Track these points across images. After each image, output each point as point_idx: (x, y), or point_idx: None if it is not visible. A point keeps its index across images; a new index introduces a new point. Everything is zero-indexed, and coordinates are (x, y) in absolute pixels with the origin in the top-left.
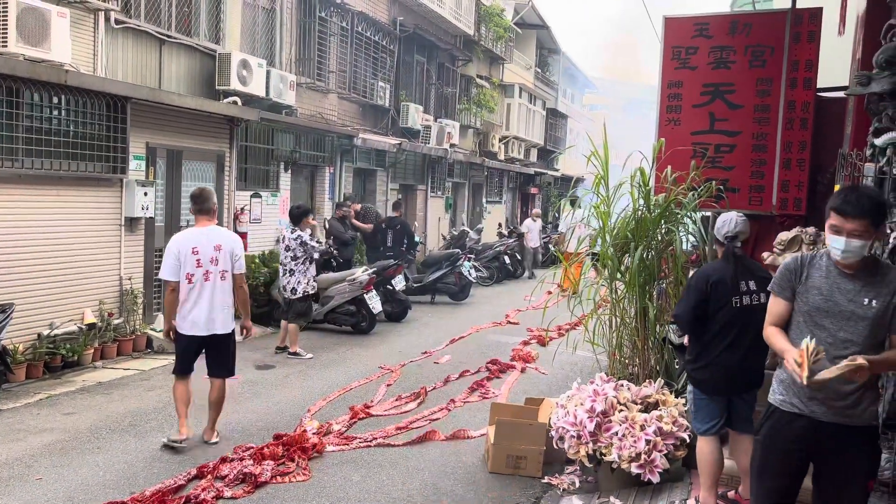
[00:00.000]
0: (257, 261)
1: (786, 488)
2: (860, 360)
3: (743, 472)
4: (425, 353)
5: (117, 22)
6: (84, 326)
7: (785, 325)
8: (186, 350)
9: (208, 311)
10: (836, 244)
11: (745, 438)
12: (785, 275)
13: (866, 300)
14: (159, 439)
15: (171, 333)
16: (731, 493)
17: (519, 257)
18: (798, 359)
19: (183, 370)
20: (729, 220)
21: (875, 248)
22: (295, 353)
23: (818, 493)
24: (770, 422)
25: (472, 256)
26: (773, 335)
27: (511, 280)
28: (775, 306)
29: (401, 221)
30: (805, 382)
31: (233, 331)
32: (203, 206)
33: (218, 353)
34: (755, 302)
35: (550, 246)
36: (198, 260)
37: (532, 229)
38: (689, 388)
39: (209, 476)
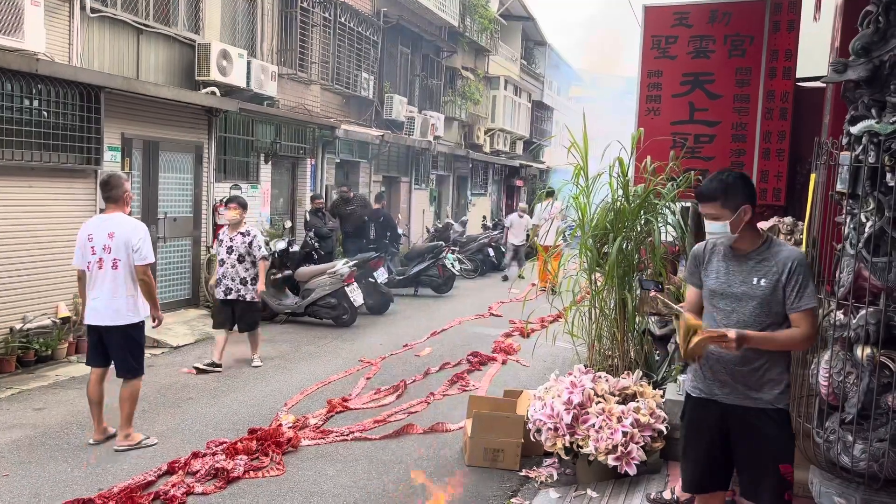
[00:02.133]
0: None
1: (705, 469)
2: (730, 332)
3: None
4: (406, 345)
5: (93, 11)
6: (58, 320)
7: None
8: (90, 340)
9: (105, 300)
10: (707, 228)
11: None
12: (692, 262)
13: (755, 280)
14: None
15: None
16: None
17: (503, 248)
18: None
19: (89, 362)
20: None
21: (850, 238)
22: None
23: (739, 480)
24: (687, 407)
25: (456, 249)
26: (689, 310)
27: (495, 272)
28: (688, 294)
29: (384, 214)
30: (682, 355)
31: (131, 324)
32: (110, 193)
33: (111, 346)
34: None
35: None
36: (92, 247)
37: (516, 225)
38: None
39: (180, 472)
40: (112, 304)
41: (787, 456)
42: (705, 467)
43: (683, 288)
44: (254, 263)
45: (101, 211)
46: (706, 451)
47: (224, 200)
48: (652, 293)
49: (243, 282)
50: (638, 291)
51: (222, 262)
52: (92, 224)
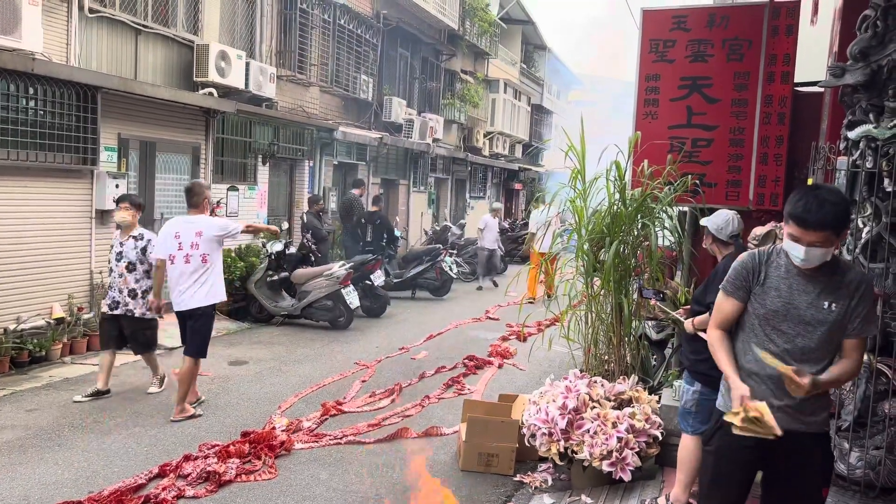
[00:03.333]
0: (233, 255)
1: (736, 499)
2: (805, 379)
3: None
4: (402, 348)
5: (91, 11)
6: (52, 321)
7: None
8: (181, 327)
9: (191, 289)
10: (795, 252)
11: None
12: (741, 274)
13: (826, 304)
14: (123, 437)
15: None
16: None
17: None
18: (753, 412)
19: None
20: (730, 220)
21: (847, 243)
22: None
23: (769, 502)
24: (722, 432)
25: (454, 252)
26: (718, 347)
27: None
28: (726, 306)
29: (381, 216)
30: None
31: (210, 305)
32: (193, 199)
33: (190, 328)
34: None
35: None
36: (179, 244)
37: (489, 227)
38: (692, 388)
39: (171, 475)
40: (197, 293)
41: (829, 479)
42: (743, 491)
43: (681, 294)
44: (147, 273)
45: (164, 217)
46: (740, 486)
47: (116, 199)
48: (652, 302)
49: (132, 294)
50: (635, 296)
51: (111, 271)
52: (178, 223)
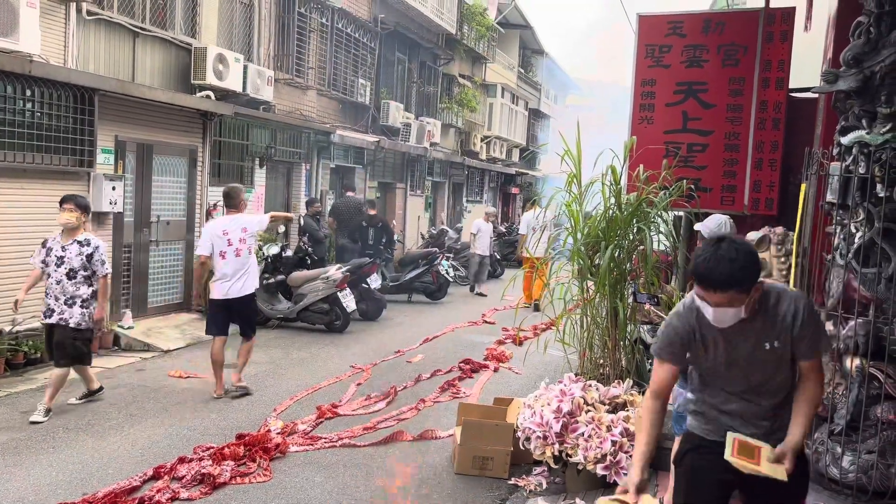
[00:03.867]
0: None
1: None
2: (787, 461)
3: None
4: (398, 352)
5: (89, 13)
6: None
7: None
8: (216, 314)
9: (241, 279)
10: (705, 312)
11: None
12: (673, 338)
13: (768, 345)
14: (117, 439)
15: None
16: None
17: (498, 256)
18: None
19: (212, 332)
20: (723, 223)
21: (840, 248)
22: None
23: None
24: (693, 454)
25: (451, 255)
26: (645, 418)
27: (490, 279)
28: (662, 373)
29: (382, 219)
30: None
31: (254, 293)
32: (231, 201)
33: (240, 313)
34: None
35: (496, 254)
36: (228, 240)
37: (482, 232)
38: (687, 392)
39: (165, 477)
40: (247, 281)
41: (804, 492)
42: None
43: (676, 298)
44: (88, 281)
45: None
46: (725, 496)
47: (60, 199)
48: (647, 306)
49: (69, 302)
50: (630, 301)
51: (48, 276)
52: (224, 222)
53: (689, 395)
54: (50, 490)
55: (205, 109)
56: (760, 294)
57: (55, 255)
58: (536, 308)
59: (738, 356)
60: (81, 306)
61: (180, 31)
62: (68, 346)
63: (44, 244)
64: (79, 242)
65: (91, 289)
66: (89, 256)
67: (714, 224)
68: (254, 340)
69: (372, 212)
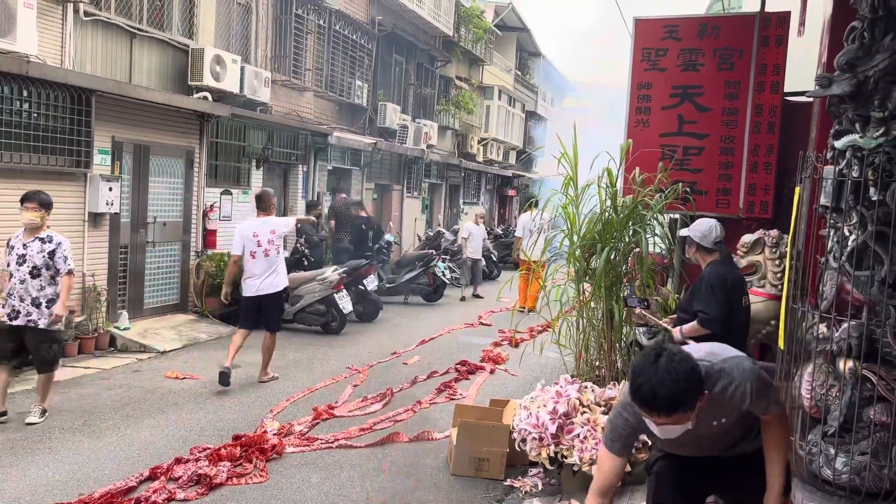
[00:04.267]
0: (226, 259)
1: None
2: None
3: None
4: (394, 353)
5: (87, 14)
6: None
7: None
8: (247, 309)
9: (271, 277)
10: (651, 427)
11: None
12: (625, 432)
13: (715, 422)
14: (113, 440)
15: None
16: None
17: (494, 258)
18: None
19: (243, 326)
20: (713, 226)
21: (834, 251)
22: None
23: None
24: (663, 459)
25: (447, 257)
26: None
27: (487, 281)
28: (608, 465)
29: (375, 220)
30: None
31: (283, 290)
32: (263, 204)
33: (268, 309)
34: (748, 303)
35: (493, 256)
36: (258, 241)
37: (474, 236)
38: None
39: (162, 477)
40: (275, 279)
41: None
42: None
43: (671, 300)
44: (53, 279)
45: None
46: (694, 497)
47: (21, 197)
48: (637, 310)
49: (35, 303)
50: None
51: (11, 276)
52: (254, 224)
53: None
54: (46, 490)
55: (202, 111)
56: (709, 383)
57: (16, 254)
58: (530, 310)
59: (689, 439)
60: (47, 306)
61: (177, 32)
62: (43, 351)
63: (7, 243)
64: (41, 239)
65: (54, 288)
66: (51, 253)
67: (705, 227)
68: (273, 336)
69: (363, 213)
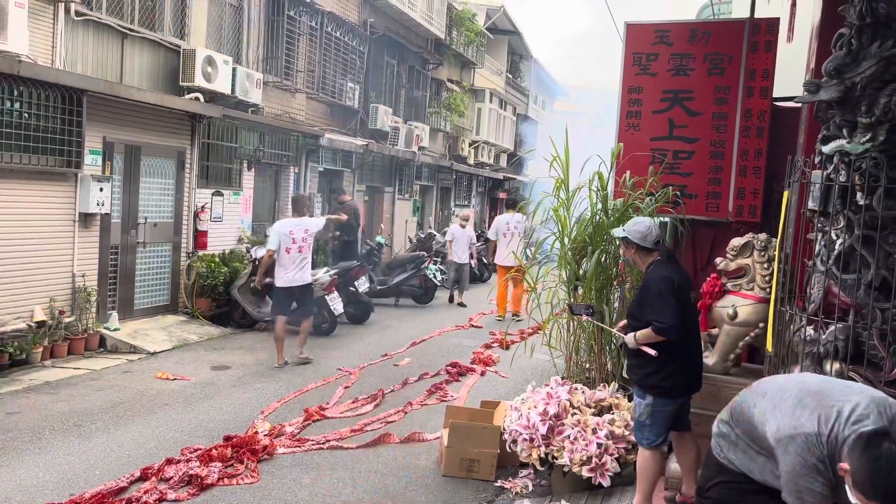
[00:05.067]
0: (217, 260)
1: None
2: None
3: (686, 470)
4: (385, 355)
5: (78, 14)
6: (33, 324)
7: None
8: (283, 299)
9: (304, 270)
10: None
11: (688, 435)
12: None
13: None
14: (104, 441)
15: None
16: (678, 497)
17: (485, 260)
18: None
19: (280, 313)
20: (652, 226)
21: (821, 255)
22: None
23: None
24: (723, 486)
25: (439, 260)
26: None
27: (478, 283)
28: None
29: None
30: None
31: (311, 282)
32: (298, 207)
33: (303, 298)
34: (696, 298)
35: (483, 258)
36: (293, 239)
37: (458, 239)
38: (644, 401)
39: (153, 478)
40: (307, 272)
41: None
42: None
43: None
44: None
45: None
46: None
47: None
48: (584, 318)
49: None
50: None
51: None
52: (290, 224)
53: (646, 402)
54: (37, 490)
55: (193, 111)
56: None
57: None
58: (515, 317)
59: None
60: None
61: (169, 33)
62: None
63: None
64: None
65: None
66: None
67: (644, 227)
68: (310, 319)
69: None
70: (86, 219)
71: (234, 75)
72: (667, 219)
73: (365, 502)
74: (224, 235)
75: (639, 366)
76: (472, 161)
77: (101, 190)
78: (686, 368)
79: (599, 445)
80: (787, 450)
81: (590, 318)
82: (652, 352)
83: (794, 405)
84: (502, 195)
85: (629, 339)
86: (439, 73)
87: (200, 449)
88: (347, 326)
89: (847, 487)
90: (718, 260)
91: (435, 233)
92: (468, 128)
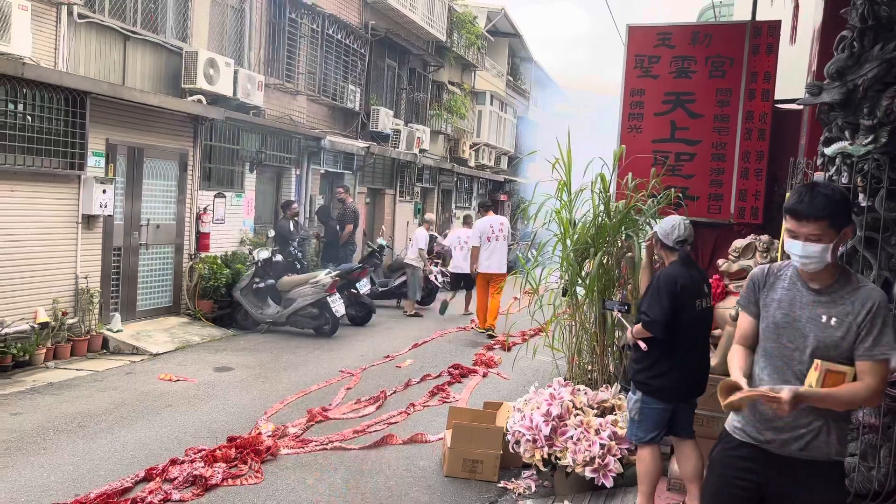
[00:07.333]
0: (219, 262)
1: None
2: (783, 391)
3: (687, 479)
4: (387, 356)
5: (80, 16)
6: (36, 325)
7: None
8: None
9: (500, 260)
10: (793, 249)
11: (689, 443)
12: (749, 287)
13: (824, 318)
14: (108, 441)
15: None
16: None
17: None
18: (739, 397)
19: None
20: (677, 225)
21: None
22: None
23: None
24: (720, 446)
25: (439, 262)
26: (732, 357)
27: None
28: (742, 322)
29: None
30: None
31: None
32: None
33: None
34: (708, 306)
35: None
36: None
37: (416, 239)
38: (634, 396)
39: (157, 478)
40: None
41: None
42: None
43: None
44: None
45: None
46: (746, 496)
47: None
48: (615, 313)
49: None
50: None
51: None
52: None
53: (636, 397)
54: (42, 490)
55: (195, 113)
56: (842, 271)
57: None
58: (490, 336)
59: (795, 318)
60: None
61: (171, 36)
62: None
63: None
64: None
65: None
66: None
67: (668, 225)
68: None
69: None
70: (89, 220)
71: (235, 77)
72: None
73: (368, 503)
74: (226, 237)
75: (634, 360)
76: (472, 163)
77: (103, 192)
78: (680, 372)
79: (602, 446)
80: None
81: (622, 315)
82: (643, 345)
83: None
84: (503, 197)
85: (628, 332)
86: (440, 76)
87: (204, 449)
88: (349, 328)
89: None
90: (721, 261)
91: (436, 235)
92: (469, 130)
